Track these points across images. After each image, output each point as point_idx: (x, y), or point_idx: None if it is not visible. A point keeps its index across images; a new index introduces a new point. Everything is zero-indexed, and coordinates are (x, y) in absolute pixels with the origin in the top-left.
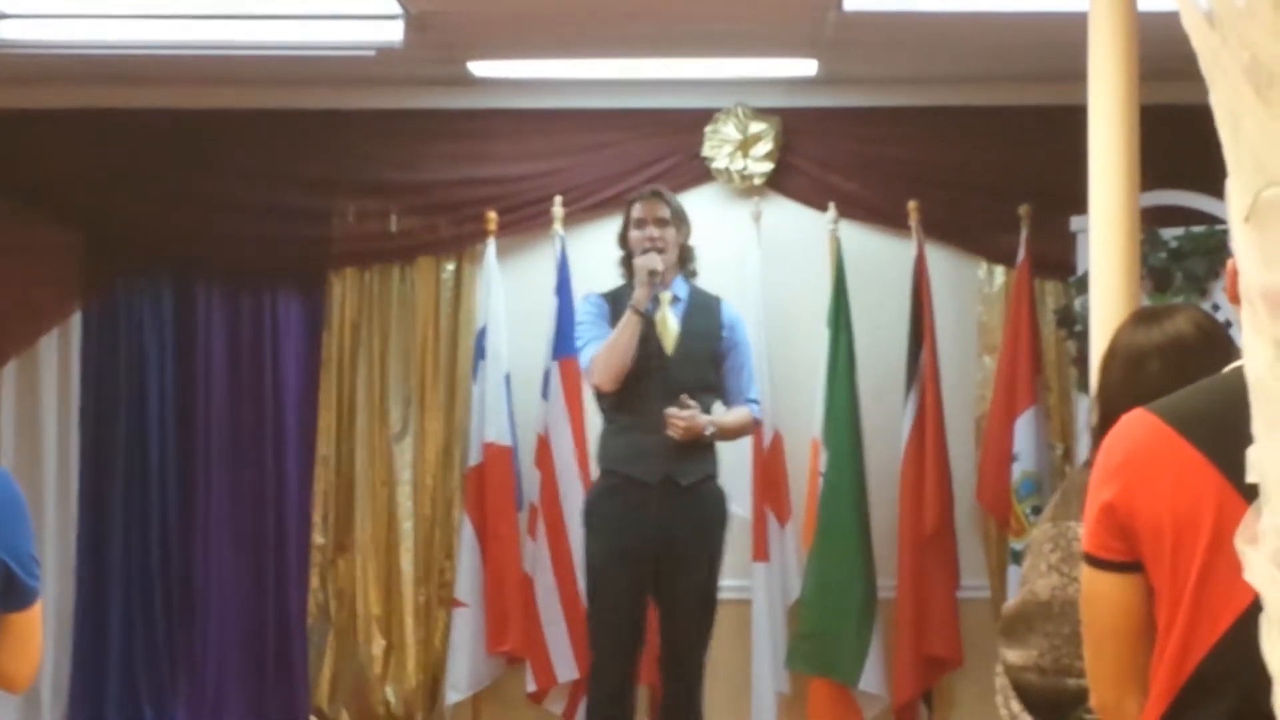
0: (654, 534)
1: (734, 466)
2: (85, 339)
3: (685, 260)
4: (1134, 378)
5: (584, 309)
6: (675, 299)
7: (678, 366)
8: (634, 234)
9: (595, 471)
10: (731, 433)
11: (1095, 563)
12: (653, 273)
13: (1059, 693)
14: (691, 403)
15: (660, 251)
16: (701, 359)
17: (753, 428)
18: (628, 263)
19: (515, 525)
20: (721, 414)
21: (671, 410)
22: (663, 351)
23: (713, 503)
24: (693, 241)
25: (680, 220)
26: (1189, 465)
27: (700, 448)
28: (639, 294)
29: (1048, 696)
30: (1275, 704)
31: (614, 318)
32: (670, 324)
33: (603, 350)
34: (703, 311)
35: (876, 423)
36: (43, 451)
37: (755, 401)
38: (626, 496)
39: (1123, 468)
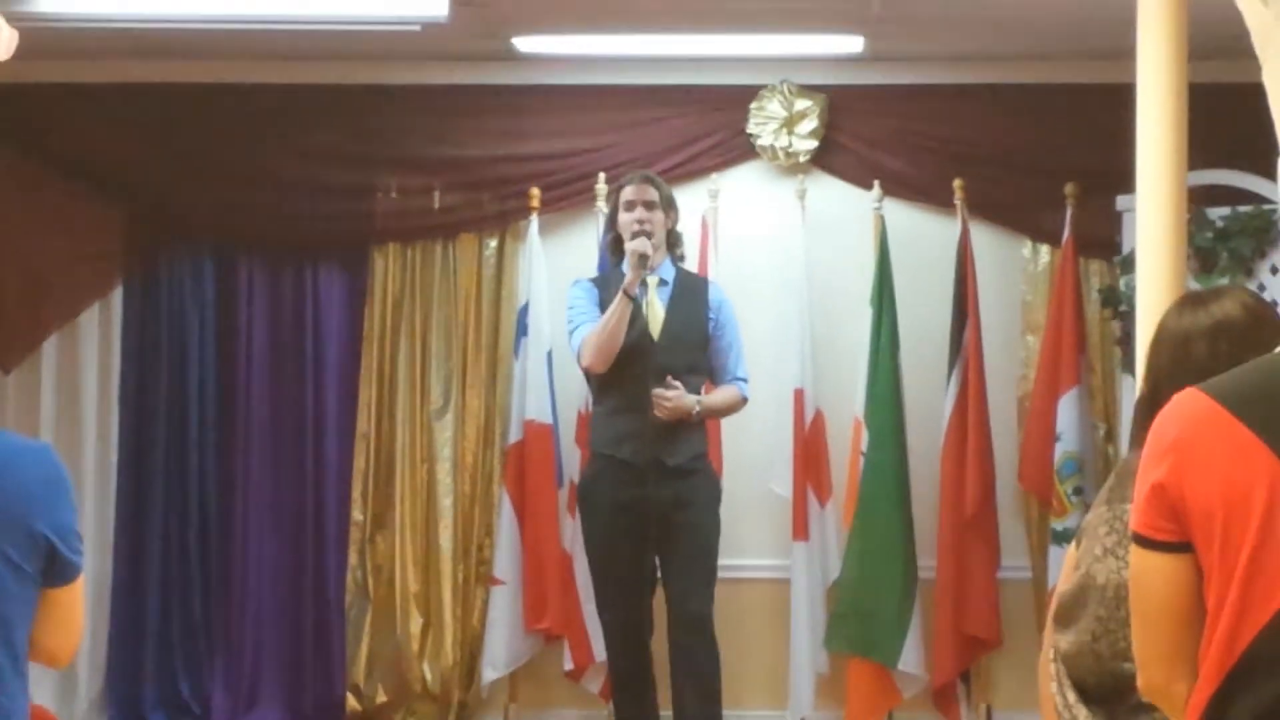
0: (645, 514)
1: (775, 445)
2: (127, 313)
3: (673, 244)
4: (1181, 361)
5: (574, 293)
6: (662, 282)
7: (664, 349)
8: (623, 217)
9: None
10: (719, 411)
11: (1145, 543)
12: (643, 256)
13: (1116, 677)
14: (676, 383)
15: (649, 235)
16: (688, 342)
17: (740, 405)
18: (616, 245)
19: (555, 503)
20: (709, 394)
21: (658, 390)
22: (649, 335)
23: (702, 482)
24: (735, 220)
25: (668, 205)
26: (1241, 445)
27: (687, 428)
28: (630, 277)
29: (1105, 681)
30: None
31: (604, 303)
32: (657, 308)
33: (593, 333)
34: (689, 295)
35: (919, 401)
36: (83, 426)
37: (744, 380)
38: (616, 478)
39: (1174, 447)
